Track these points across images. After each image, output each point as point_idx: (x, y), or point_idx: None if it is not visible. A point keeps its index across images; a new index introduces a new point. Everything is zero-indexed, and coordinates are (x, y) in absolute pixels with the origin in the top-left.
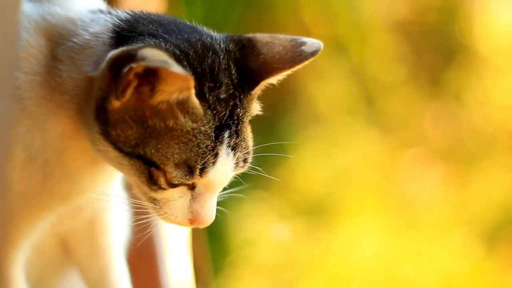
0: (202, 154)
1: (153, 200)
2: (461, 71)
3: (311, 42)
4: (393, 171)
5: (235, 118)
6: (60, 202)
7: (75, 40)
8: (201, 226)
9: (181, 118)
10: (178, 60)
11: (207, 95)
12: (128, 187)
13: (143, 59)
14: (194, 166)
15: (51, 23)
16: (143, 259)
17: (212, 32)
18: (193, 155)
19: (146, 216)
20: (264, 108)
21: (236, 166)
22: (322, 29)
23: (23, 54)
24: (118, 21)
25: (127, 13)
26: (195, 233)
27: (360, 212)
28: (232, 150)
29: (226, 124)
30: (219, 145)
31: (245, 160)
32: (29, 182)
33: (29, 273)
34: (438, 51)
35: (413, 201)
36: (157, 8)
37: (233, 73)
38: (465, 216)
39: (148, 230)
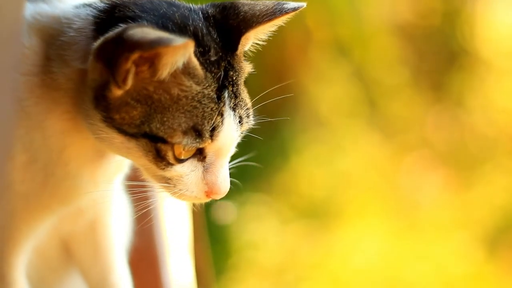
0: (209, 117)
1: (166, 180)
2: (463, 74)
3: (294, 2)
4: (395, 174)
5: (230, 79)
6: (61, 203)
7: (62, 38)
8: (218, 197)
9: (186, 82)
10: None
11: (201, 59)
12: (131, 178)
13: (136, 44)
14: (203, 129)
15: (41, 23)
16: (145, 261)
17: (191, 5)
18: (200, 119)
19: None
20: (266, 111)
21: (240, 125)
22: (325, 32)
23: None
24: (98, 13)
25: (105, 3)
26: (197, 235)
27: (362, 215)
28: (233, 110)
29: (224, 85)
30: (222, 106)
31: (248, 116)
32: (30, 183)
33: (31, 274)
34: (440, 54)
35: (415, 204)
36: None
37: (215, 37)
38: (467, 219)
39: (148, 223)
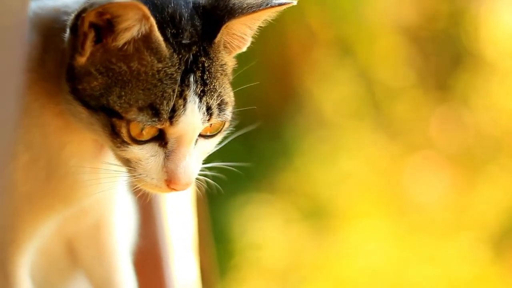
0: (169, 97)
1: (127, 162)
2: (468, 75)
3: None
4: (399, 175)
5: (200, 65)
6: (64, 202)
7: (56, 26)
8: (179, 188)
9: (147, 57)
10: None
11: (171, 39)
12: None
13: (91, 5)
14: (160, 109)
15: (40, 16)
16: (149, 261)
17: None
18: (158, 98)
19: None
20: (270, 112)
21: (209, 116)
22: (329, 32)
23: None
24: None
25: None
26: (201, 235)
27: (366, 216)
28: (198, 97)
29: (191, 69)
30: (186, 89)
31: (220, 109)
32: (33, 183)
33: (35, 275)
34: (445, 55)
35: (419, 205)
36: None
37: (197, 24)
38: (472, 220)
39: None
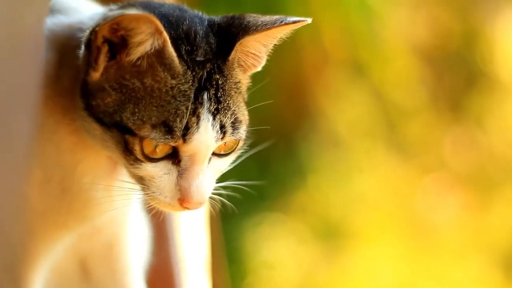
0: (182, 115)
1: (140, 180)
2: (482, 96)
3: (299, 17)
4: (412, 196)
5: (214, 82)
6: (78, 220)
7: (72, 43)
8: (192, 206)
9: (160, 73)
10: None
11: (185, 56)
12: None
13: (104, 19)
14: (173, 126)
15: (55, 33)
16: (162, 280)
17: (199, 13)
18: (172, 115)
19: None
20: (283, 131)
21: (223, 134)
22: (343, 52)
23: None
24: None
25: (118, 5)
26: (214, 254)
27: (379, 237)
28: (212, 115)
29: (205, 87)
30: (200, 107)
31: (234, 128)
32: (47, 200)
33: None
34: (459, 76)
35: (432, 226)
36: None
37: (212, 41)
38: (484, 242)
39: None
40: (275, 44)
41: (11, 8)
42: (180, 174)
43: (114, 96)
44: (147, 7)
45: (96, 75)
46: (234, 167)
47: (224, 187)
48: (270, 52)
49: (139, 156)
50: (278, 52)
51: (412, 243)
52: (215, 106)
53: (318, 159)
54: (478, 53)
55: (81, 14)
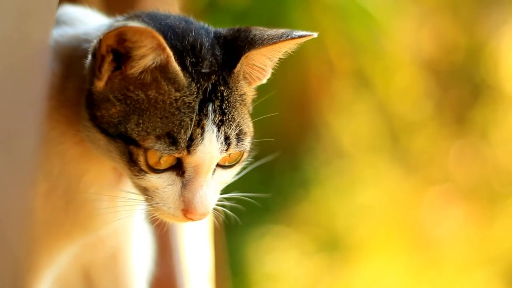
0: (187, 126)
1: (144, 191)
2: (486, 109)
3: (305, 32)
4: (416, 209)
5: (219, 94)
6: (82, 231)
7: (78, 53)
8: (196, 217)
9: (164, 86)
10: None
11: (190, 68)
12: None
13: (109, 30)
14: (178, 138)
15: (61, 44)
16: None
17: (206, 25)
18: (176, 127)
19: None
20: (288, 143)
21: (227, 146)
22: (348, 64)
23: None
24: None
25: (124, 16)
26: (218, 266)
27: (383, 249)
28: (217, 126)
29: (210, 99)
30: (204, 119)
31: (239, 139)
32: (51, 211)
33: None
34: (464, 89)
35: (436, 239)
36: None
37: (217, 54)
38: (489, 255)
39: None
40: (280, 58)
41: (18, 20)
42: (184, 185)
43: (118, 107)
44: (153, 19)
45: (100, 84)
46: (238, 178)
47: (228, 199)
48: (275, 65)
49: (144, 167)
50: (283, 65)
51: (416, 255)
52: (219, 118)
53: (322, 171)
54: (483, 66)
55: (86, 26)
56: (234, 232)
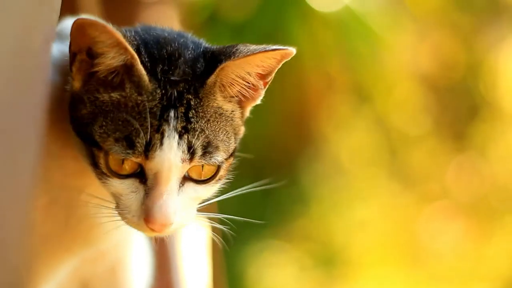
0: (145, 130)
1: (114, 196)
2: (485, 125)
3: (285, 46)
4: (414, 224)
5: (184, 102)
6: (82, 244)
7: None
8: (156, 229)
9: (128, 88)
10: (135, 45)
11: (159, 75)
12: None
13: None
14: (135, 141)
15: (64, 59)
16: None
17: (197, 39)
18: (135, 130)
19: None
20: (286, 158)
21: (191, 155)
22: (346, 79)
23: None
24: None
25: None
26: (216, 281)
27: (381, 264)
28: (179, 134)
29: (174, 105)
30: (164, 124)
31: (206, 152)
32: (52, 223)
33: None
34: (462, 105)
35: (434, 254)
36: None
37: (198, 66)
38: (486, 271)
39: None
40: (280, 72)
41: (18, 32)
42: (146, 194)
43: (89, 109)
44: (145, 29)
45: (76, 84)
46: (236, 195)
47: (226, 214)
48: (273, 79)
49: (104, 170)
50: (282, 79)
51: (414, 270)
52: (182, 125)
53: (320, 186)
54: (481, 82)
55: None
56: (232, 247)
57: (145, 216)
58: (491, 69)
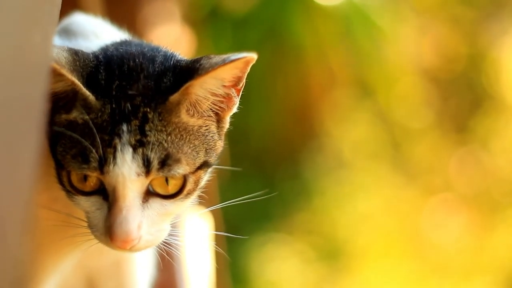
0: (98, 145)
1: (84, 215)
2: (487, 118)
3: (245, 53)
4: (417, 217)
5: (140, 115)
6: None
7: None
8: (120, 245)
9: (79, 107)
10: (80, 72)
11: (114, 91)
12: None
13: None
14: (89, 156)
15: None
16: None
17: (170, 52)
18: (89, 146)
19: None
20: (289, 152)
21: (147, 169)
22: (349, 74)
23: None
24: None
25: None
26: (219, 274)
27: (383, 257)
28: (133, 148)
29: (127, 119)
30: (116, 138)
31: (165, 164)
32: (54, 218)
33: None
34: (464, 98)
35: (436, 247)
36: (188, 47)
37: (164, 80)
38: (489, 263)
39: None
40: (284, 68)
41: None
42: (109, 210)
43: (55, 130)
44: (112, 47)
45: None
46: (239, 188)
47: (229, 207)
48: (276, 73)
49: (68, 187)
50: (285, 73)
51: (417, 263)
52: (137, 138)
53: (323, 180)
54: (484, 75)
55: (98, 41)
56: (235, 241)
57: (108, 233)
58: (494, 62)
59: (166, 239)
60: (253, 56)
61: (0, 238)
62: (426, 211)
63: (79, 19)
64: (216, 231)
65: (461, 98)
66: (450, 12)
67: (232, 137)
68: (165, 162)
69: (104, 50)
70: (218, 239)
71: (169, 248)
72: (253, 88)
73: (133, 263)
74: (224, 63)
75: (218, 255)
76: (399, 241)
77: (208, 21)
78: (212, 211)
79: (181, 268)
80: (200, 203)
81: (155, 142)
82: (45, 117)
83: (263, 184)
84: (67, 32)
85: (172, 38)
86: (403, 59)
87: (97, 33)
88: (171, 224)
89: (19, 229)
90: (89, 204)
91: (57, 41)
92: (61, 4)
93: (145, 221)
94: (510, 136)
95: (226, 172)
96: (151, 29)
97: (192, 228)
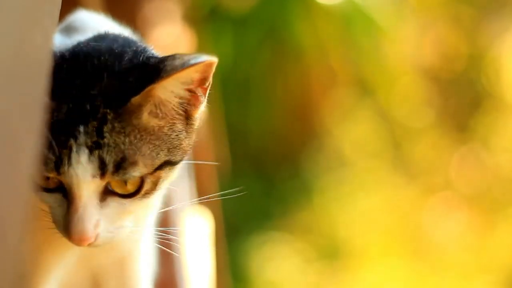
0: (53, 147)
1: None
2: (488, 117)
3: (206, 56)
4: (417, 216)
5: (99, 116)
6: None
7: None
8: (76, 243)
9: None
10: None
11: (73, 91)
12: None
13: None
14: (48, 158)
15: None
16: None
17: (146, 48)
18: (48, 147)
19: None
20: (289, 151)
21: (102, 171)
22: (349, 72)
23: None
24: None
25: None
26: (219, 273)
27: (384, 256)
28: (89, 149)
29: (84, 121)
30: (72, 140)
31: (120, 167)
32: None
33: None
34: (465, 97)
35: (437, 246)
36: (188, 47)
37: (130, 79)
38: (490, 262)
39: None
40: (284, 67)
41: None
42: (67, 208)
43: None
44: (83, 44)
45: None
46: (239, 187)
47: (229, 207)
48: (276, 72)
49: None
50: (285, 72)
51: (417, 262)
52: (93, 140)
53: (323, 178)
54: (484, 74)
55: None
56: (235, 239)
57: (66, 230)
58: (494, 61)
59: (165, 237)
60: (213, 60)
61: (0, 238)
62: (426, 210)
63: (82, 16)
64: (216, 230)
65: (461, 97)
66: (451, 11)
67: (232, 137)
68: (120, 165)
69: (74, 47)
70: (218, 238)
71: (170, 247)
72: (253, 88)
73: (137, 261)
74: (183, 67)
75: (218, 254)
76: (399, 240)
77: (208, 20)
78: (213, 211)
79: (182, 266)
80: (201, 203)
81: (112, 144)
82: (45, 117)
83: (263, 184)
84: (68, 29)
85: (172, 37)
86: (404, 58)
87: (98, 29)
88: (170, 224)
89: (19, 229)
90: (52, 200)
91: (58, 38)
92: (61, 4)
93: (103, 220)
94: (511, 135)
95: (226, 172)
96: (151, 28)
97: (193, 227)
